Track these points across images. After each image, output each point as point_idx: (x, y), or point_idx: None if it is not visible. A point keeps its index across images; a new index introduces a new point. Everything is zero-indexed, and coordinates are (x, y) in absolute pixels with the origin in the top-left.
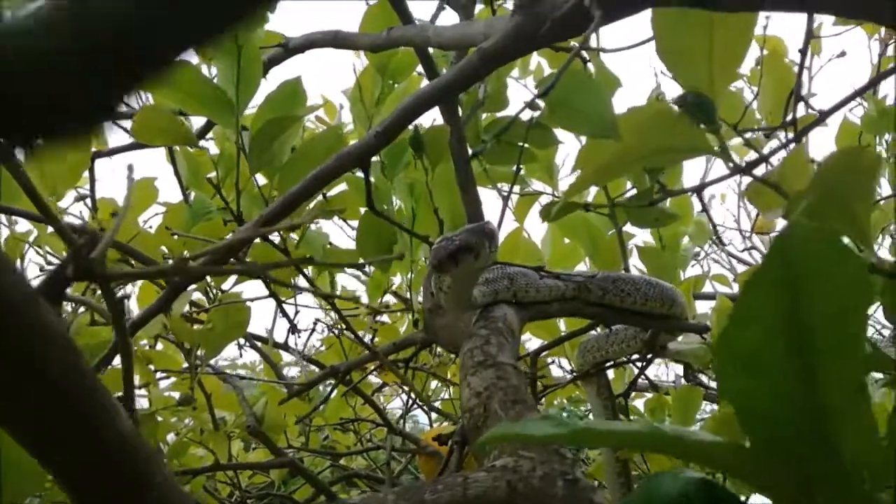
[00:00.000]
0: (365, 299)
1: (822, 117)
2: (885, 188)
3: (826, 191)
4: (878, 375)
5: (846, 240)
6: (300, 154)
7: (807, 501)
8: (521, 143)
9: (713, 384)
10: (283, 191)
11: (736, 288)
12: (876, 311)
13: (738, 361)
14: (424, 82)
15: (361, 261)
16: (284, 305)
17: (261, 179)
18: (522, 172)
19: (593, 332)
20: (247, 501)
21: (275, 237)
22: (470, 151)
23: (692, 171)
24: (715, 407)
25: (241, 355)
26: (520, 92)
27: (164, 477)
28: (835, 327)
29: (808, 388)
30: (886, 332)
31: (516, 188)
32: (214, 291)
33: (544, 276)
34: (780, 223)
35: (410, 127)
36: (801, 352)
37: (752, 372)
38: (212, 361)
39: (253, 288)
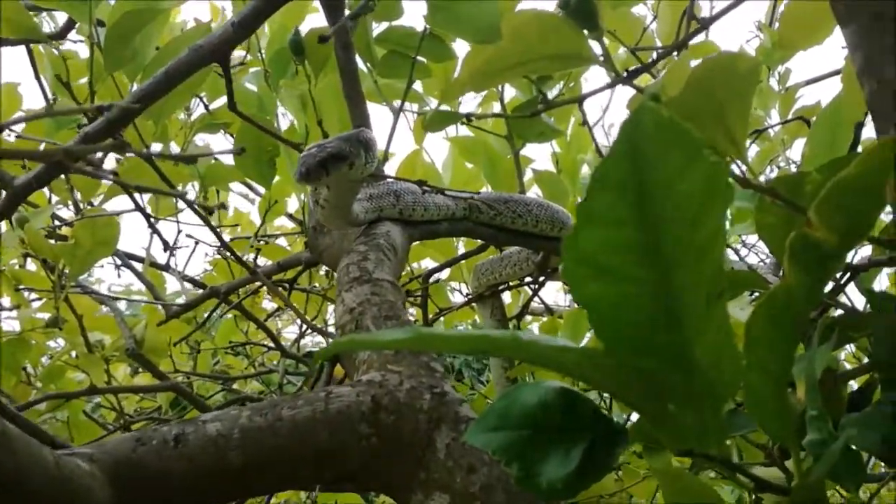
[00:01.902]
0: (257, 220)
1: (705, 24)
2: (774, 118)
3: (700, 94)
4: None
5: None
6: (165, 52)
7: (658, 408)
8: (414, 55)
9: None
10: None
11: None
12: (760, 240)
13: (587, 264)
14: None
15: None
16: (167, 223)
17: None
18: (420, 90)
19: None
20: (130, 426)
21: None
22: (359, 62)
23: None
24: None
25: (119, 276)
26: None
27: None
28: (688, 232)
29: (660, 295)
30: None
31: (414, 107)
32: (83, 205)
33: (427, 191)
34: None
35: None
36: (652, 256)
37: (602, 275)
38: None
39: (128, 203)
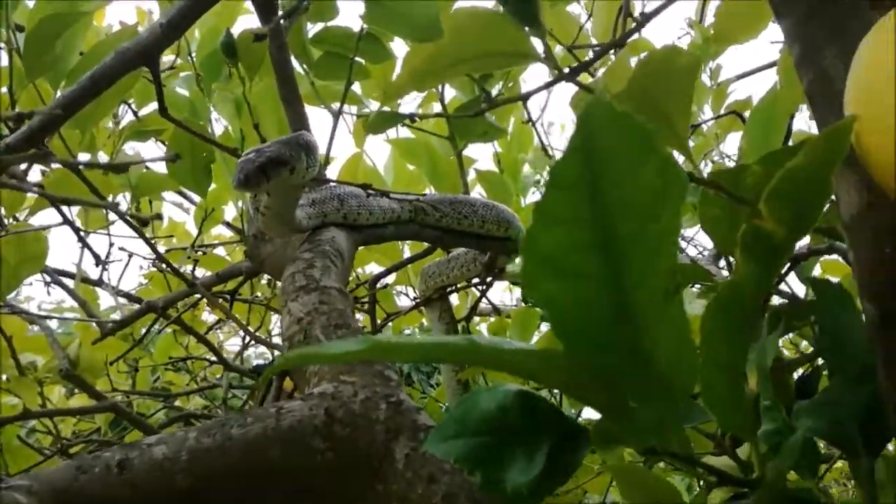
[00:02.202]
0: (193, 230)
1: (641, 23)
2: (707, 113)
3: (641, 92)
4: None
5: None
6: (90, 57)
7: (619, 406)
8: (351, 56)
9: None
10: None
11: None
12: (698, 233)
13: (543, 263)
14: None
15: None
16: (98, 236)
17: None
18: (359, 92)
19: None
20: (68, 450)
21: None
22: (295, 63)
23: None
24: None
25: (48, 293)
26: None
27: None
28: (643, 228)
29: (615, 292)
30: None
31: (354, 109)
32: (7, 220)
33: (371, 194)
34: None
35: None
36: (606, 253)
37: (559, 274)
38: (25, 305)
39: (56, 217)
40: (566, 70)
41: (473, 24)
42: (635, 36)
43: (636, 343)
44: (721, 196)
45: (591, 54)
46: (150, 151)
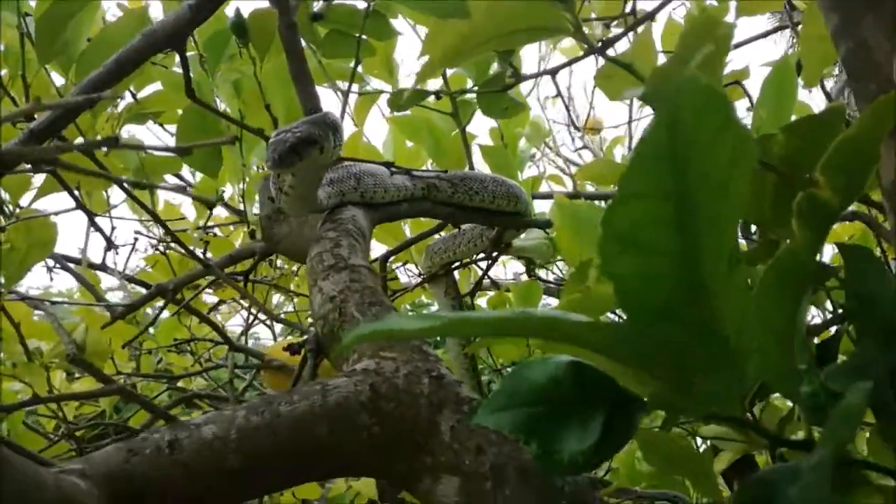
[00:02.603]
0: (191, 212)
1: (652, 12)
2: None
3: (685, 63)
4: None
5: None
6: (99, 41)
7: (683, 377)
8: (358, 35)
9: (550, 278)
10: (81, 72)
11: (570, 187)
12: None
13: (620, 239)
14: None
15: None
16: (98, 220)
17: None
18: (360, 70)
19: (437, 235)
20: (75, 433)
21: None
22: (303, 42)
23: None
24: (553, 300)
25: (51, 280)
26: None
27: None
28: (717, 200)
29: (690, 267)
30: None
31: (354, 87)
32: (10, 207)
33: (395, 171)
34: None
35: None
36: (684, 228)
37: (633, 249)
38: (22, 289)
39: (60, 202)
40: (598, 43)
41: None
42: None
43: (704, 315)
44: None
45: (598, 27)
46: (147, 134)
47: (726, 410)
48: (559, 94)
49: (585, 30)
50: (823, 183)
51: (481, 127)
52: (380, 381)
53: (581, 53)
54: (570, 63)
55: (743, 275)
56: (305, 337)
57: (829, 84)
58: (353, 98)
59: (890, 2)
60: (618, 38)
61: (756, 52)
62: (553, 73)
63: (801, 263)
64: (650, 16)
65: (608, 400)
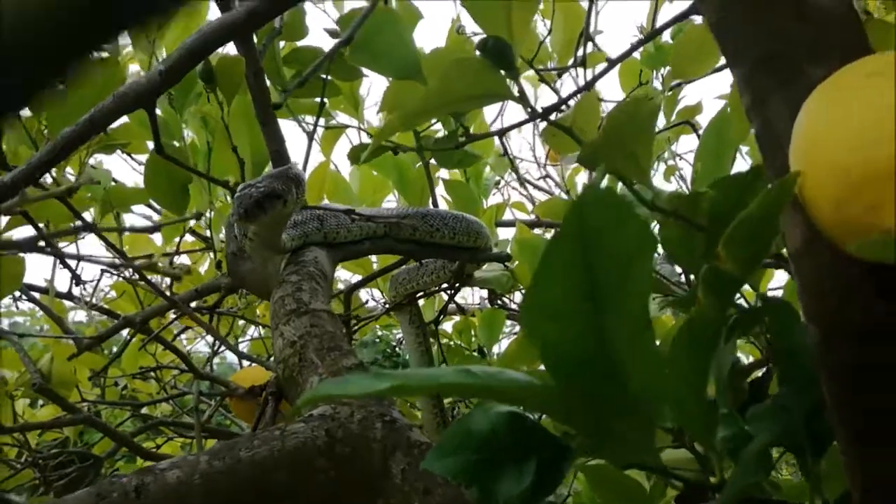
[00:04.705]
0: (159, 238)
1: (612, 64)
2: (661, 121)
3: (612, 137)
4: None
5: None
6: (75, 99)
7: (599, 427)
8: (324, 76)
9: (514, 305)
10: (52, 126)
11: (533, 215)
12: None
13: (541, 310)
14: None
15: (157, 209)
16: (66, 256)
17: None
18: (326, 105)
19: (404, 266)
20: (39, 461)
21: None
22: (269, 83)
23: (490, 108)
24: (515, 325)
25: (17, 307)
26: (319, 18)
27: None
28: (621, 274)
29: (599, 329)
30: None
31: (321, 121)
32: None
33: (356, 219)
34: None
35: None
36: (592, 298)
37: (554, 318)
38: None
39: (24, 233)
40: (540, 109)
41: (457, 70)
42: (591, 49)
43: (615, 372)
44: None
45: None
46: (116, 163)
47: (641, 457)
48: (506, 153)
49: (530, 92)
50: (725, 256)
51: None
52: (335, 426)
53: (526, 118)
54: (516, 126)
55: (651, 336)
56: (268, 379)
57: None
58: (320, 130)
59: (797, 86)
60: (557, 105)
61: (715, 81)
62: (500, 133)
63: (708, 325)
64: (597, 78)
65: (541, 447)
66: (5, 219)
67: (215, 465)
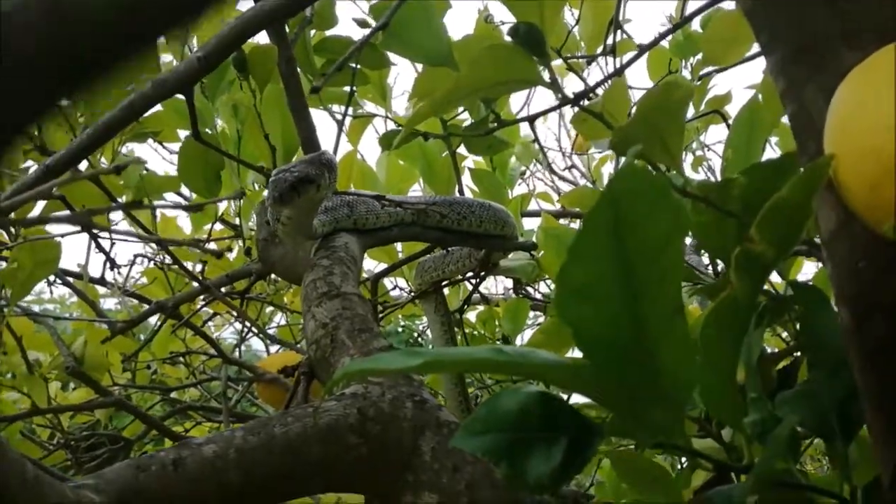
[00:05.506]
0: (188, 226)
1: (642, 51)
2: (689, 110)
3: (643, 122)
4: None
5: (662, 167)
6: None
7: (633, 409)
8: (353, 65)
9: (538, 295)
10: (89, 112)
11: (558, 205)
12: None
13: (574, 292)
14: None
15: (187, 198)
16: (100, 237)
17: None
18: (355, 94)
19: (430, 254)
20: (70, 443)
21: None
22: (300, 72)
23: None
24: (539, 315)
25: (51, 292)
26: (348, 8)
27: None
28: (655, 258)
29: (633, 313)
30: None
31: (350, 110)
32: (15, 228)
33: (385, 205)
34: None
35: None
36: (627, 281)
37: (587, 301)
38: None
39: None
40: (571, 95)
41: (489, 56)
42: (620, 38)
43: (648, 355)
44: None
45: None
46: (147, 152)
47: (671, 439)
48: (536, 139)
49: (560, 79)
50: (758, 238)
51: None
52: (367, 404)
53: (557, 103)
54: (547, 112)
55: (684, 319)
56: (300, 360)
57: None
58: (347, 119)
59: (830, 70)
60: (589, 90)
61: (745, 71)
62: (531, 119)
63: (739, 309)
64: (627, 64)
65: (570, 427)
66: (41, 204)
67: (250, 440)
